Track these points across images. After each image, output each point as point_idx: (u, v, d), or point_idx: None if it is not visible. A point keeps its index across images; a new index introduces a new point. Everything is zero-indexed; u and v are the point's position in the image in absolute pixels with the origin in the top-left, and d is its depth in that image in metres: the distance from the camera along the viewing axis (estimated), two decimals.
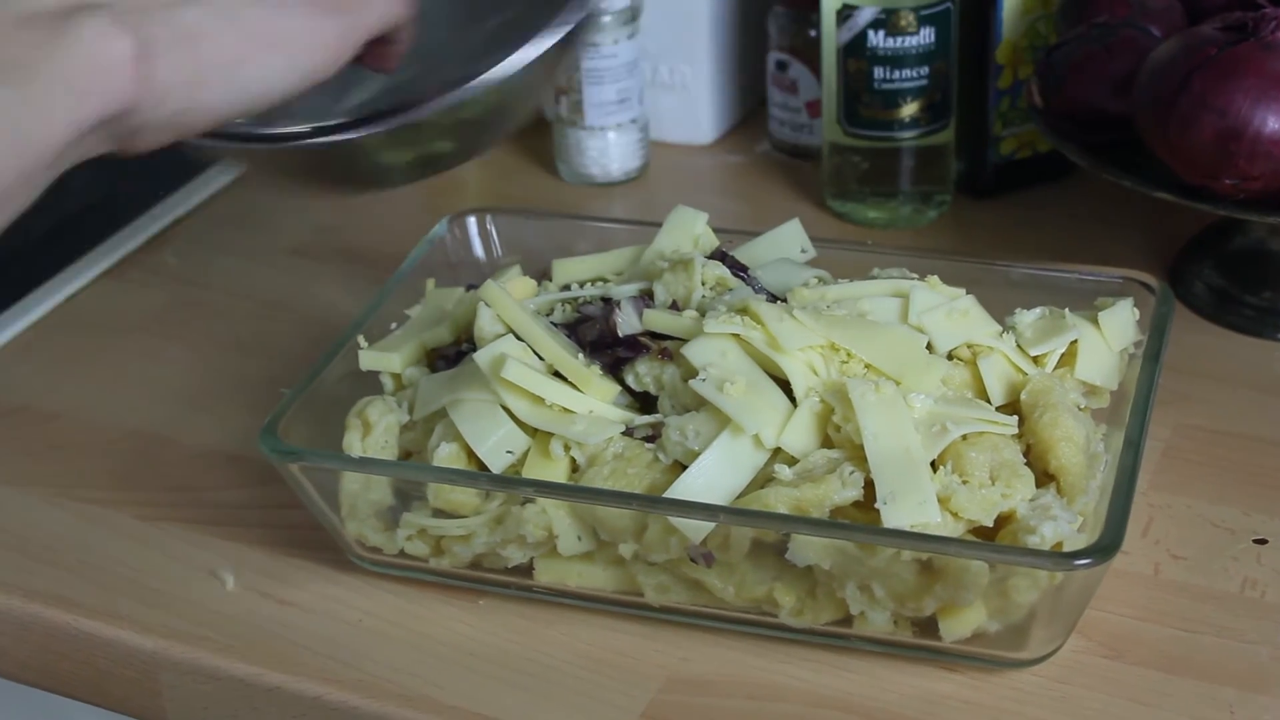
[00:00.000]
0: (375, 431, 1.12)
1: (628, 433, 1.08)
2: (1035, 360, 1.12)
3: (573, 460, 1.07)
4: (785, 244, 1.25)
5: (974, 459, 1.02)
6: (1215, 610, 1.06)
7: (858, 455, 1.02)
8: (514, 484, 1.05)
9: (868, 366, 1.07)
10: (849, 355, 1.07)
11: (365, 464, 1.08)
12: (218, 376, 1.39)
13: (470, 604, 1.08)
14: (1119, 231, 1.49)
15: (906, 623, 1.01)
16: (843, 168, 1.52)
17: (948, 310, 1.11)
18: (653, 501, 1.02)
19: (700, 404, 1.06)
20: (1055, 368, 1.13)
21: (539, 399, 1.08)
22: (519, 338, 1.11)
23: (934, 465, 1.01)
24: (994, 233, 1.53)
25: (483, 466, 1.06)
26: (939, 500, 0.99)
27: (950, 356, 1.11)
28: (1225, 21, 1.21)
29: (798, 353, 1.06)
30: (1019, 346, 1.12)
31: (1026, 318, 1.14)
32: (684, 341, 1.09)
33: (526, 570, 1.09)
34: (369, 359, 1.18)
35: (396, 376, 1.18)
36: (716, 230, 1.25)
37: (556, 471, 1.06)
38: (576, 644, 1.04)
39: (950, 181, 1.54)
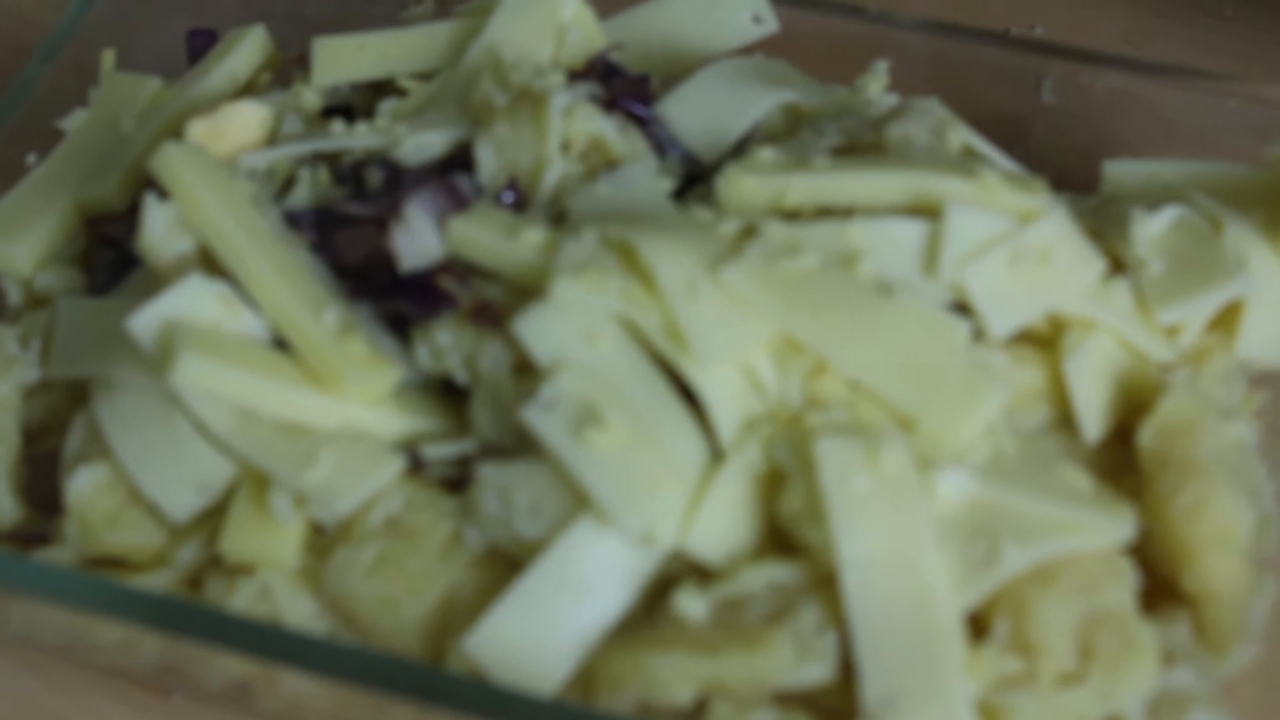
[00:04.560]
0: None
1: (416, 465, 0.58)
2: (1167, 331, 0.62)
3: (312, 523, 0.59)
4: (726, 8, 0.71)
5: (1048, 615, 0.55)
6: None
7: (827, 582, 0.54)
8: (173, 619, 0.57)
9: (854, 388, 0.56)
10: (820, 364, 0.57)
11: None
12: None
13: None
14: None
15: None
16: None
17: (1013, 253, 0.59)
18: (430, 687, 0.54)
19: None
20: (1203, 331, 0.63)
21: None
22: (221, 267, 0.60)
23: (975, 622, 0.53)
24: None
25: None
26: (983, 712, 0.53)
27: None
28: None
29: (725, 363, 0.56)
30: (1140, 295, 0.61)
31: (1149, 228, 0.62)
32: (517, 297, 0.59)
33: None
34: None
35: (26, 283, 0.67)
36: None
37: (281, 545, 0.59)
38: None
39: None
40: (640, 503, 0.55)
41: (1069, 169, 0.70)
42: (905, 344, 0.57)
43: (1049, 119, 0.74)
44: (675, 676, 0.55)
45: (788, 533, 0.56)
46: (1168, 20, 0.90)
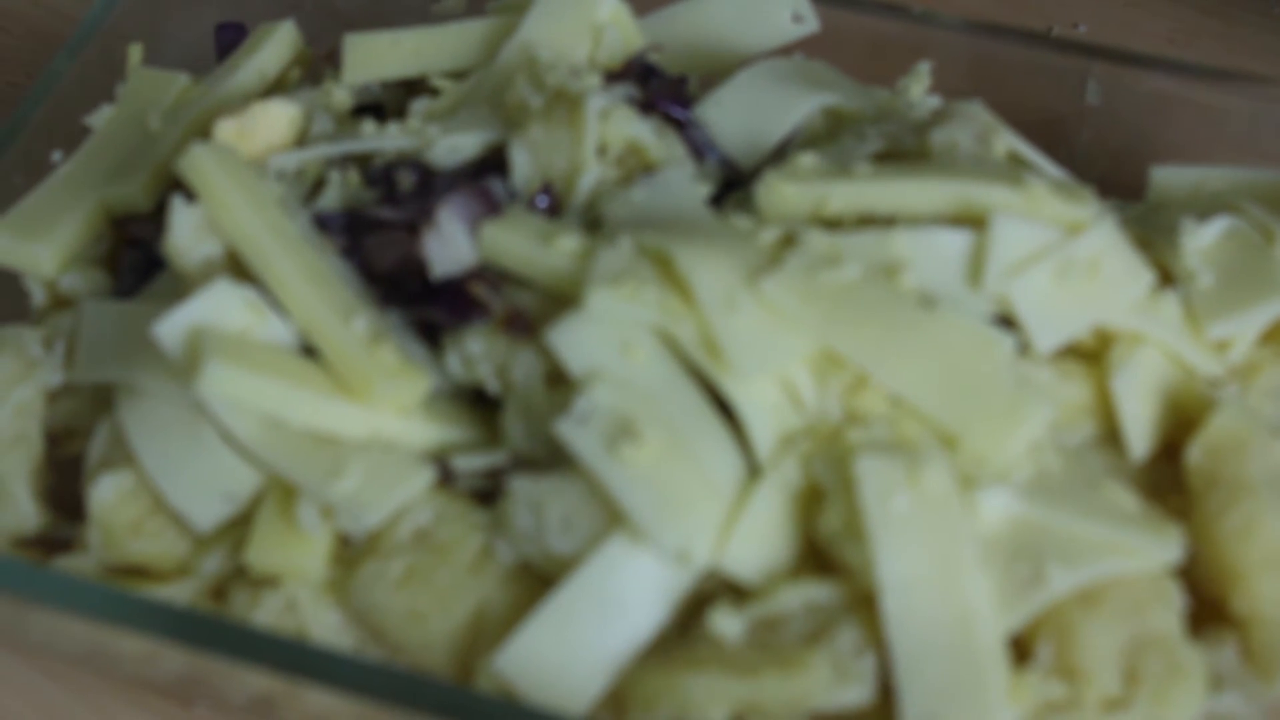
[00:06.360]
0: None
1: (446, 476, 0.57)
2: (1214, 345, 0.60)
3: (340, 535, 0.57)
4: (766, 7, 0.70)
5: (1093, 639, 0.54)
6: None
7: (866, 603, 0.52)
8: (196, 634, 0.56)
9: (895, 404, 0.55)
10: (861, 379, 0.55)
11: None
12: None
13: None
14: None
15: None
16: None
17: (1060, 265, 0.57)
18: (459, 706, 0.53)
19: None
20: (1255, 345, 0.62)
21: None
22: (248, 271, 0.59)
23: (1019, 645, 0.52)
24: None
25: None
26: None
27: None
28: None
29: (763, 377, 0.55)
30: (1189, 308, 0.60)
31: (1199, 239, 0.61)
32: (551, 306, 0.58)
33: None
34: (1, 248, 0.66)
35: (51, 284, 0.66)
36: None
37: (307, 557, 0.57)
38: None
39: None
40: (675, 519, 0.54)
41: (1113, 172, 0.69)
42: (948, 359, 0.56)
43: (1093, 121, 0.72)
44: (710, 697, 0.53)
45: (826, 551, 0.55)
46: (1214, 19, 0.88)
